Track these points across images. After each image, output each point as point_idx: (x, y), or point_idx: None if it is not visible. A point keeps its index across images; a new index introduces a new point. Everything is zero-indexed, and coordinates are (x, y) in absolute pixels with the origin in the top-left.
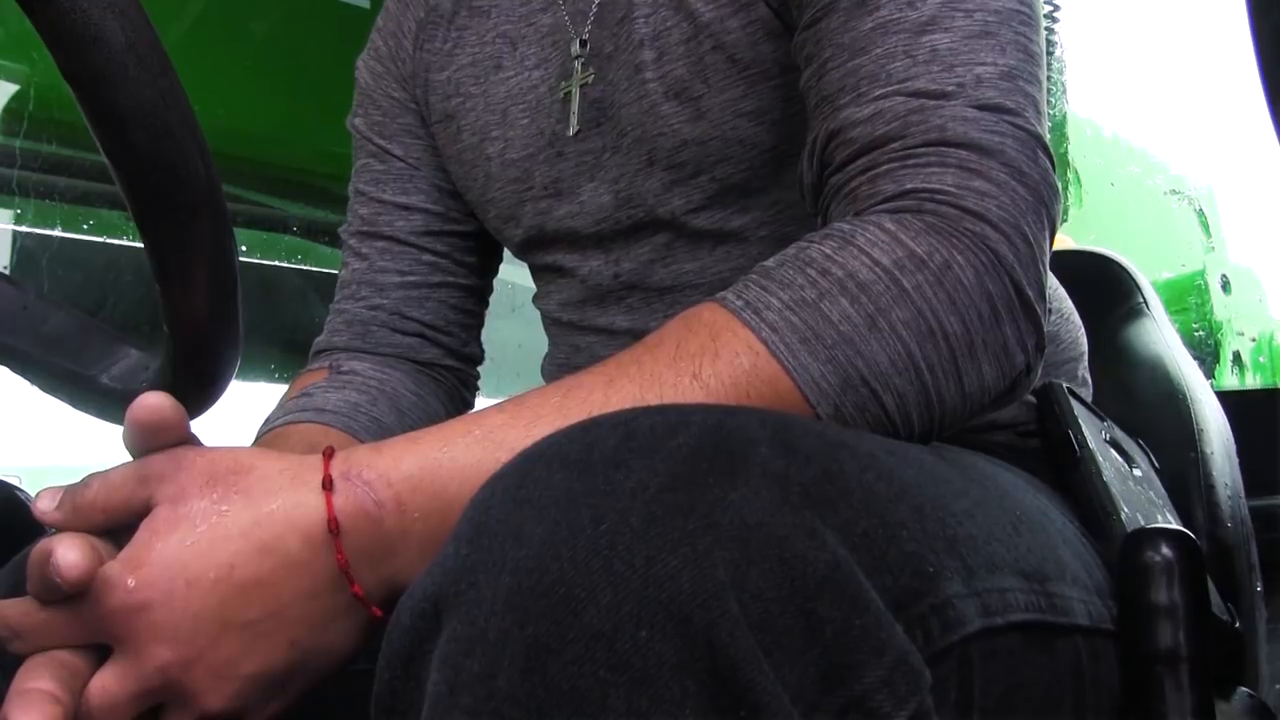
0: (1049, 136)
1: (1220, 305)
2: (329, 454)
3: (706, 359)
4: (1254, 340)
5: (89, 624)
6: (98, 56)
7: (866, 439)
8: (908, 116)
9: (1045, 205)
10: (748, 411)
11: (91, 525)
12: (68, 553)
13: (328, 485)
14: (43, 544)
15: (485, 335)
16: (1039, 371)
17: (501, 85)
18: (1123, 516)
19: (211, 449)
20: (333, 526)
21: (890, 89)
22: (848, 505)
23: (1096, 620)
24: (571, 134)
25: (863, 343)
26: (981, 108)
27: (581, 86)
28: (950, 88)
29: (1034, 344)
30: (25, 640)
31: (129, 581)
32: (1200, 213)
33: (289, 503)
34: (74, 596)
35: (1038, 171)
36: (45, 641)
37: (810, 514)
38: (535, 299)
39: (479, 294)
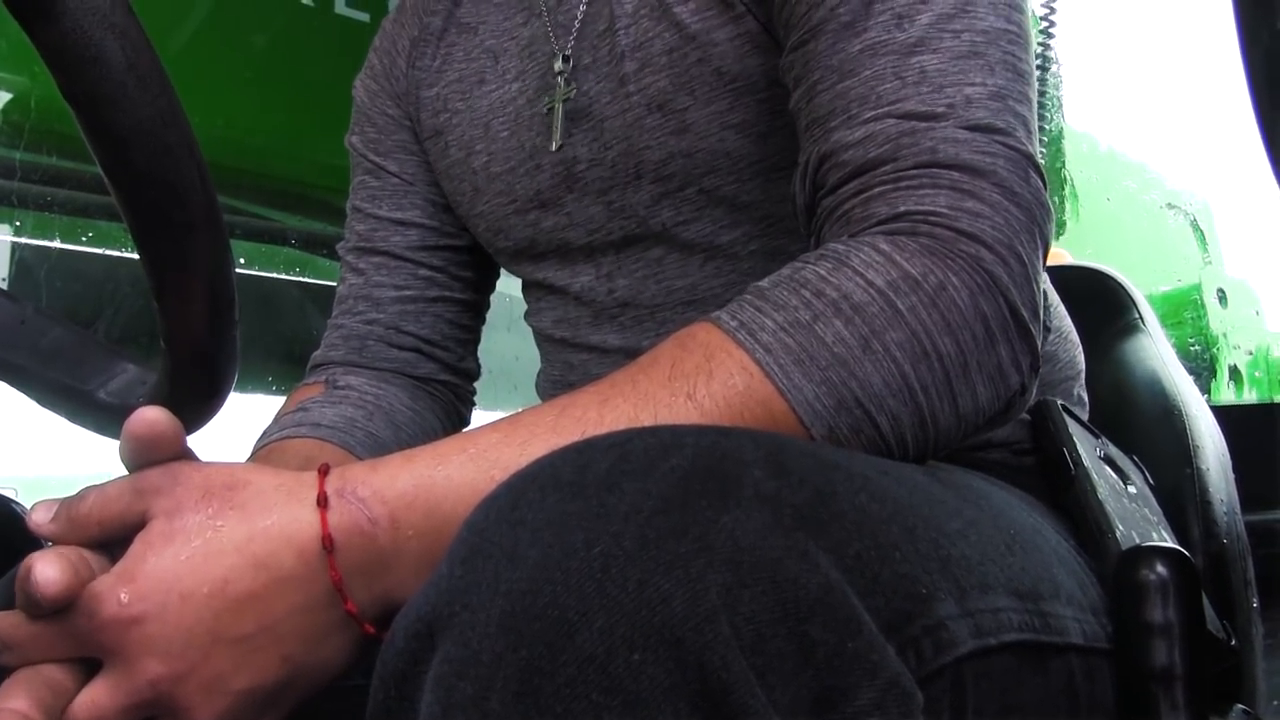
0: (1039, 155)
1: (1217, 319)
2: (324, 471)
3: (701, 379)
4: (1250, 354)
5: (80, 637)
6: (98, 76)
7: (860, 460)
8: (899, 139)
9: (1038, 225)
10: (741, 433)
11: (86, 538)
12: (47, 569)
13: (322, 502)
14: (28, 559)
15: (483, 348)
16: (1034, 391)
17: (484, 99)
18: (1118, 534)
19: (207, 464)
20: (327, 543)
21: (881, 111)
22: (840, 527)
23: (1091, 639)
24: (554, 149)
25: (856, 364)
26: (972, 128)
27: (564, 101)
28: (940, 109)
29: (1029, 364)
30: (14, 653)
31: (122, 595)
32: (1197, 226)
33: (284, 519)
34: (65, 610)
35: (1030, 191)
36: (35, 654)
37: (803, 536)
38: (527, 316)
39: (476, 309)
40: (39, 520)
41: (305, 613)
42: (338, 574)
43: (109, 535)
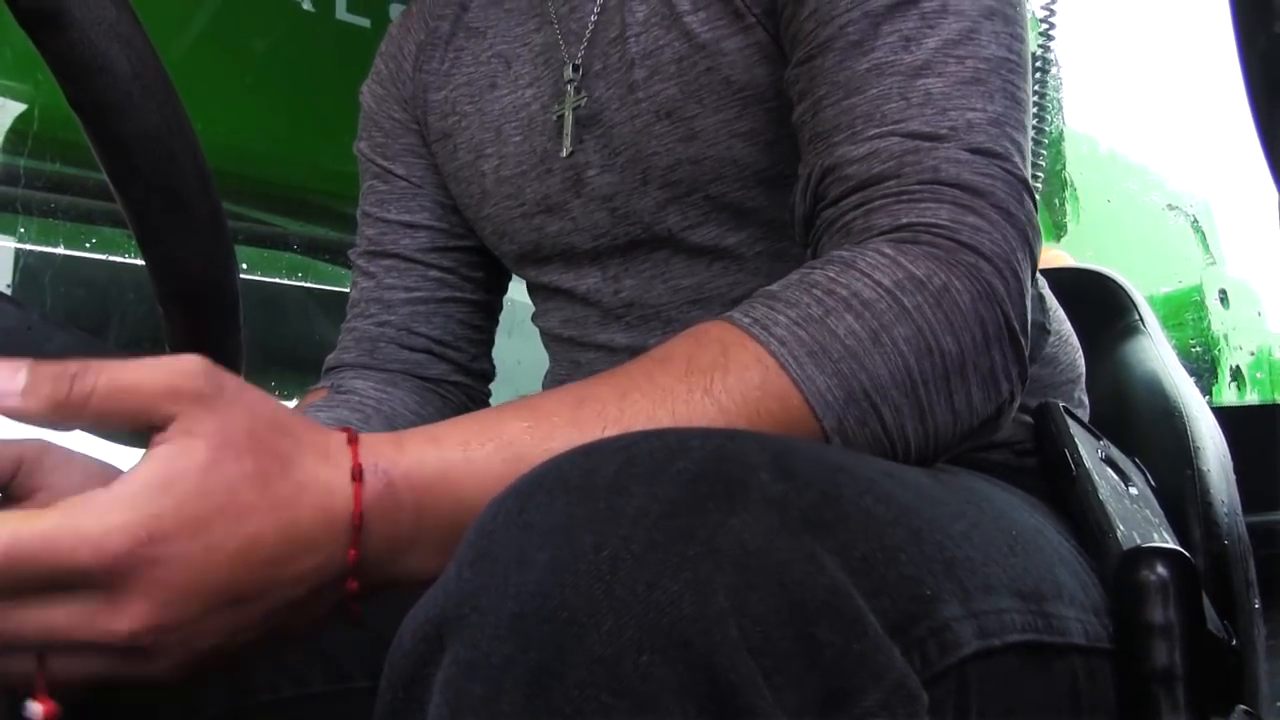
0: (1032, 180)
1: (1218, 320)
2: (353, 439)
3: (718, 374)
4: (1253, 354)
5: (71, 568)
6: (104, 85)
7: (865, 463)
8: (903, 157)
9: (1030, 245)
10: (748, 437)
11: (67, 423)
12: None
13: (357, 475)
14: None
15: None
16: (1019, 401)
17: (496, 104)
18: (1119, 534)
19: (249, 386)
20: (357, 520)
21: (885, 129)
22: (846, 529)
23: (1093, 639)
24: (564, 155)
25: (866, 357)
26: (973, 151)
27: (574, 109)
28: (943, 131)
29: (1017, 374)
30: None
31: (143, 532)
32: (1198, 227)
33: (320, 485)
34: (57, 540)
35: (1024, 213)
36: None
37: (809, 538)
38: (534, 317)
39: (487, 309)
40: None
41: (309, 582)
42: (356, 553)
43: (103, 427)
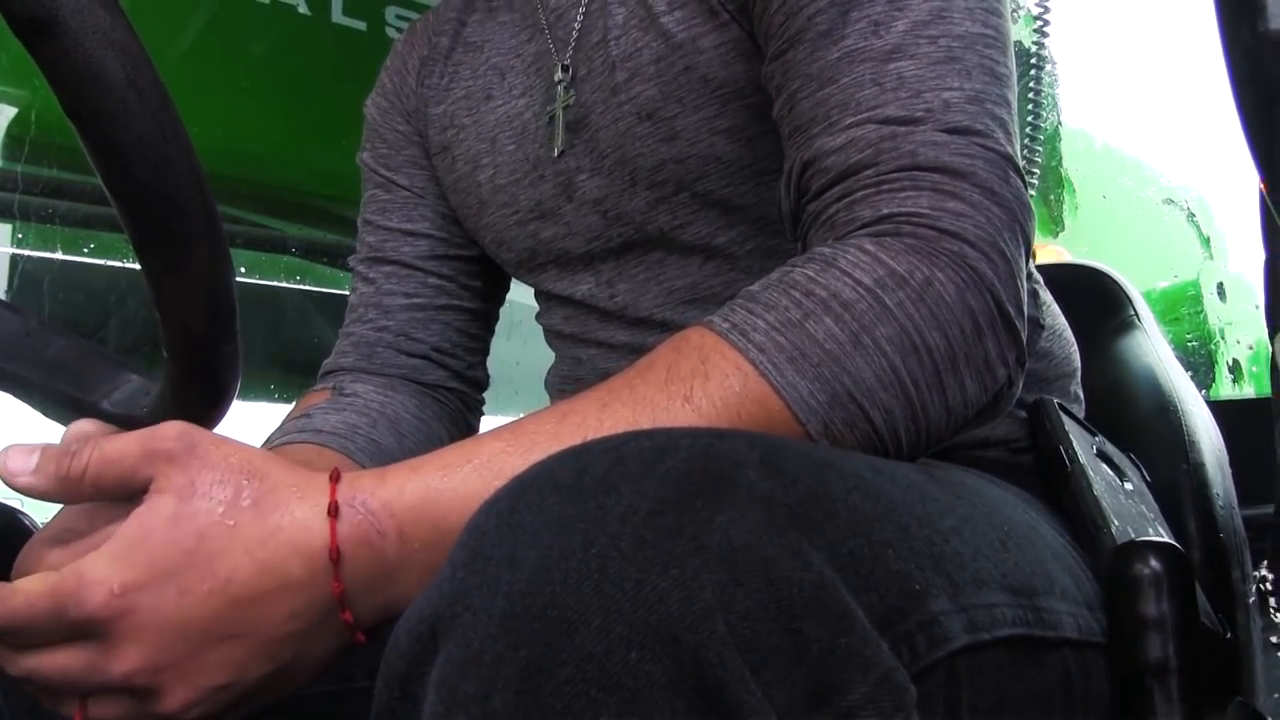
0: (1019, 156)
1: (1216, 314)
2: (335, 477)
3: (697, 381)
4: (1251, 348)
5: (62, 625)
6: (98, 93)
7: (854, 459)
8: (880, 144)
9: (1019, 223)
10: (736, 435)
11: (72, 498)
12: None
13: (333, 511)
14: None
15: None
16: (1019, 385)
17: (491, 115)
18: (1113, 529)
19: (223, 440)
20: (333, 555)
21: (861, 117)
22: (834, 525)
23: (1086, 633)
24: (556, 154)
25: (848, 360)
26: (951, 131)
27: (564, 109)
28: (919, 113)
29: (1014, 358)
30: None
31: (115, 585)
32: (1194, 221)
33: (295, 524)
34: (47, 595)
35: (1010, 191)
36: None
37: (796, 535)
38: (538, 316)
39: (485, 318)
40: (14, 469)
41: (302, 617)
42: (340, 585)
43: (101, 497)
